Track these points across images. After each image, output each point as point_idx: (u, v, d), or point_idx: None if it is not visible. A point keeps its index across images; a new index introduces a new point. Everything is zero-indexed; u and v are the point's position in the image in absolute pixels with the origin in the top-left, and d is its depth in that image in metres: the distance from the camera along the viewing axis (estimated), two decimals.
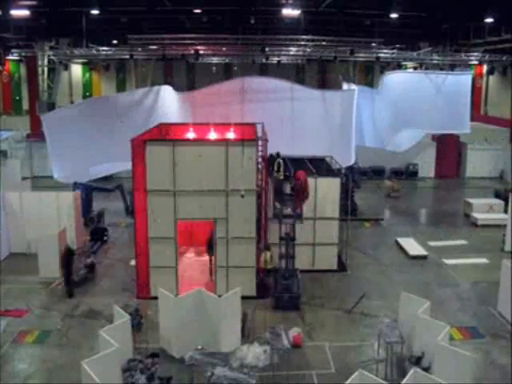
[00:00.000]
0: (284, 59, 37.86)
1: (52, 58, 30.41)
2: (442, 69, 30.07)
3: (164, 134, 17.51)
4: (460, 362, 9.43)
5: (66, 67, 38.05)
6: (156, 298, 12.47)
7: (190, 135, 17.25)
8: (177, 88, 25.10)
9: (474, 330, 13.07)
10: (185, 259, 17.39)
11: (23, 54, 35.05)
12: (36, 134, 29.28)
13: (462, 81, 24.52)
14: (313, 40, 29.01)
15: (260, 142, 14.91)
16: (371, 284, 16.01)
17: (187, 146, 14.65)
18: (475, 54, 31.01)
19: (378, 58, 30.33)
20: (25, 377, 10.98)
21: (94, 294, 15.11)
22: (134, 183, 14.47)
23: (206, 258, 16.29)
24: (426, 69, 31.94)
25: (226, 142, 14.53)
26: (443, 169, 31.12)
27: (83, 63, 43.80)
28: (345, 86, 26.32)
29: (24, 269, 16.57)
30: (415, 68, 36.96)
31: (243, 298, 12.40)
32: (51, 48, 30.10)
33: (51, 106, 29.73)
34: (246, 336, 12.35)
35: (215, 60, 40.49)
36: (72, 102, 40.24)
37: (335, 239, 16.74)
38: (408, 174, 30.87)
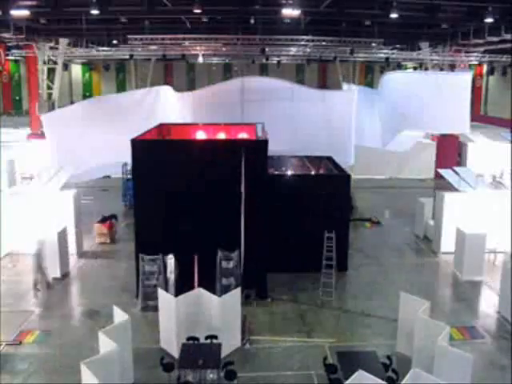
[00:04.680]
0: (284, 59, 37.88)
1: (52, 58, 30.42)
2: (441, 69, 30.10)
3: (164, 134, 17.53)
4: (460, 362, 9.44)
5: (66, 67, 38.07)
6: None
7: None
8: (177, 88, 25.12)
9: (474, 330, 13.07)
10: None
11: (23, 54, 35.08)
12: (36, 134, 29.28)
13: (462, 81, 24.51)
14: (313, 40, 29.04)
15: None
16: (371, 284, 16.01)
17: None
18: (475, 54, 31.03)
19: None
20: (25, 377, 10.96)
21: (93, 293, 15.11)
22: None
23: None
24: (426, 69, 31.97)
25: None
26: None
27: (83, 63, 43.86)
28: (345, 86, 26.34)
29: (24, 269, 16.59)
30: (415, 68, 37.01)
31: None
32: (51, 48, 30.12)
33: (51, 106, 29.76)
34: (247, 337, 12.35)
35: (215, 60, 40.52)
36: (72, 102, 40.27)
37: None
38: None
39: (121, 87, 45.51)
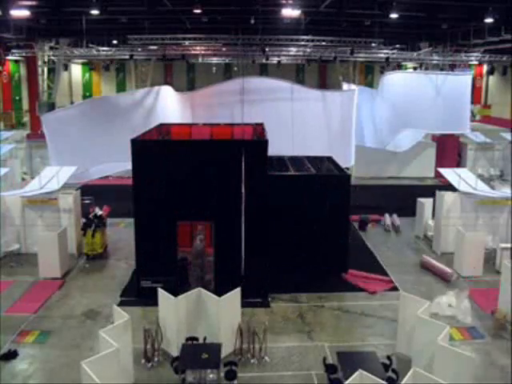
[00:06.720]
0: (284, 59, 37.88)
1: (52, 57, 30.45)
2: (442, 69, 30.12)
3: (164, 134, 17.53)
4: (460, 363, 9.44)
5: (66, 67, 38.10)
6: None
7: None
8: (177, 88, 25.13)
9: (474, 330, 13.07)
10: None
11: (23, 54, 35.12)
12: (36, 134, 29.31)
13: (462, 81, 24.54)
14: (313, 40, 29.07)
15: None
16: None
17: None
18: (475, 54, 31.05)
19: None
20: (25, 377, 10.97)
21: (93, 293, 15.11)
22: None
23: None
24: (426, 69, 32.00)
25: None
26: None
27: (83, 63, 43.86)
28: (345, 86, 26.35)
29: (24, 269, 16.60)
30: (415, 68, 37.01)
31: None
32: (51, 48, 30.15)
33: (51, 106, 29.78)
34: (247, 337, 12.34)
35: (215, 60, 40.53)
36: (72, 102, 40.30)
37: None
38: None
39: (121, 87, 45.51)
